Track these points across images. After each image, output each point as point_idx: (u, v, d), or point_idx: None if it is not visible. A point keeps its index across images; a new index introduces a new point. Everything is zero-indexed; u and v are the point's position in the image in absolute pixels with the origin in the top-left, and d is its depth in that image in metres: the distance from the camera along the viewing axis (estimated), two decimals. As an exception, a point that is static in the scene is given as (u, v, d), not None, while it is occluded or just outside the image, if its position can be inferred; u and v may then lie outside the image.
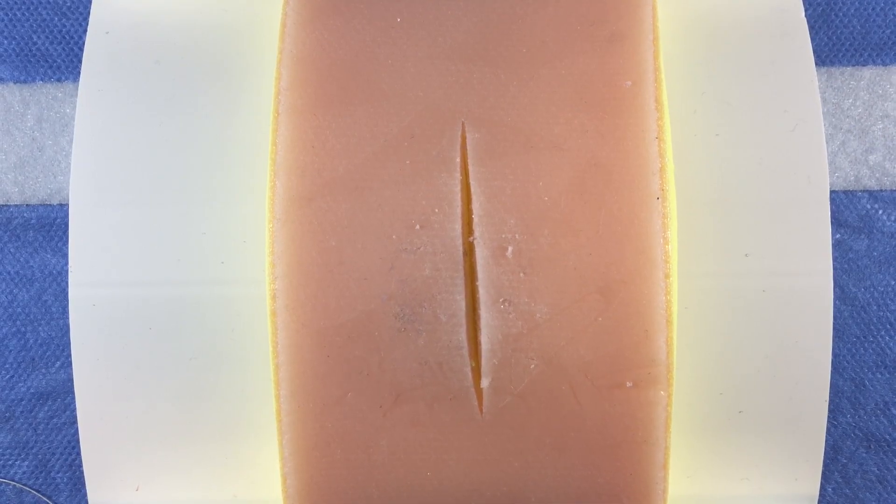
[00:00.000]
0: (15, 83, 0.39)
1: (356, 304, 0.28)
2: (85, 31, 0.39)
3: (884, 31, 0.38)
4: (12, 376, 0.38)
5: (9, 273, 0.38)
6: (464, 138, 0.28)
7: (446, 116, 0.29)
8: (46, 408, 0.38)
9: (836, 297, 0.37)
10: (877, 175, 0.38)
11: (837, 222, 0.38)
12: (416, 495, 0.29)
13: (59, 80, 0.39)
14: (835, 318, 0.37)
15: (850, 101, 0.38)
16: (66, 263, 0.38)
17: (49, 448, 0.38)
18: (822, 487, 0.38)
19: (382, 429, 0.28)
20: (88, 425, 0.31)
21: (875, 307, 0.37)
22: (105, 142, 0.31)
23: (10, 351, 0.38)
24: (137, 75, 0.31)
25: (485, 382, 0.28)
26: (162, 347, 0.30)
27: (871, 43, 0.38)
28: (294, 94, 0.29)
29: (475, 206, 0.28)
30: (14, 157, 0.38)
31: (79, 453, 0.38)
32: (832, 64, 0.38)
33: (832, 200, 0.37)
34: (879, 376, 0.37)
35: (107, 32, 0.32)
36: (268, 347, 0.29)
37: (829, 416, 0.37)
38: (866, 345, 0.38)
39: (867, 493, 0.38)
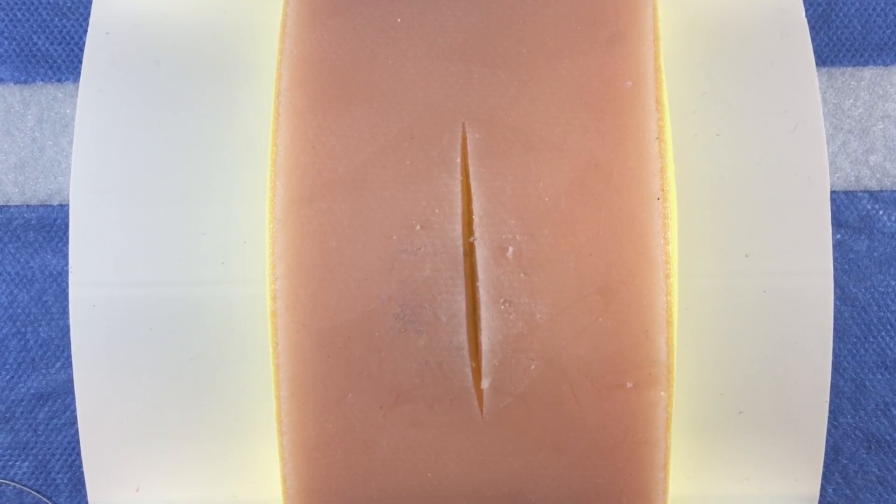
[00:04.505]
0: (15, 84, 0.39)
1: (356, 305, 0.28)
2: (85, 31, 0.39)
3: (884, 32, 0.38)
4: (12, 377, 0.38)
5: (9, 274, 0.38)
6: (464, 139, 0.28)
7: (446, 117, 0.29)
8: (46, 408, 0.38)
9: (836, 298, 0.37)
10: (877, 175, 0.38)
11: (838, 223, 0.38)
12: (416, 496, 0.29)
13: (59, 80, 0.39)
14: (835, 318, 0.37)
15: (851, 101, 0.38)
16: (67, 264, 0.38)
17: (49, 449, 0.38)
18: (823, 488, 0.38)
19: (383, 429, 0.28)
20: (88, 426, 0.31)
21: (875, 308, 0.37)
22: (105, 142, 0.31)
23: (11, 351, 0.38)
24: (137, 76, 0.31)
25: (485, 383, 0.28)
26: (162, 348, 0.30)
27: (871, 43, 0.38)
28: (294, 94, 0.29)
29: (475, 207, 0.28)
30: (14, 157, 0.38)
31: (79, 454, 0.38)
32: (833, 64, 0.38)
33: (833, 201, 0.37)
34: (880, 377, 0.37)
35: (107, 33, 0.32)
36: (268, 348, 0.29)
37: (829, 417, 0.37)
38: (867, 345, 0.38)
39: (868, 494, 0.38)
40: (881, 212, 0.38)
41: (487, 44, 0.29)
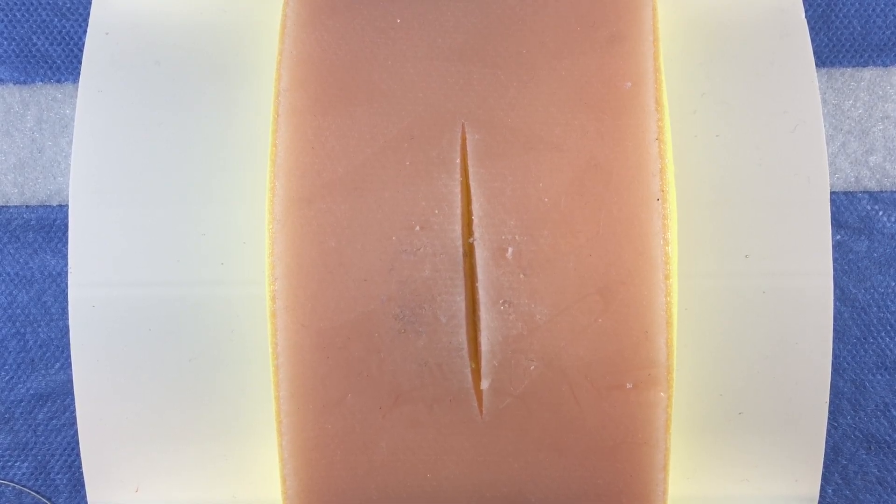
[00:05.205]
0: (15, 84, 0.39)
1: (356, 305, 0.28)
2: (85, 31, 0.39)
3: (884, 32, 0.38)
4: (12, 377, 0.38)
5: (8, 274, 0.38)
6: (464, 139, 0.28)
7: (446, 117, 0.29)
8: (46, 409, 0.38)
9: (836, 298, 0.37)
10: (877, 176, 0.38)
11: (838, 223, 0.38)
12: (416, 497, 0.29)
13: (58, 80, 0.39)
14: (835, 319, 0.37)
15: (851, 102, 0.38)
16: (66, 264, 0.38)
17: (49, 449, 0.38)
18: (822, 489, 0.38)
19: (382, 430, 0.28)
20: (88, 426, 0.31)
21: (875, 308, 0.37)
22: (105, 142, 0.31)
23: (10, 352, 0.38)
24: (137, 76, 0.31)
25: (485, 384, 0.28)
26: (162, 348, 0.30)
27: (871, 44, 0.38)
28: (294, 94, 0.29)
29: (475, 208, 0.28)
30: (14, 158, 0.38)
31: (78, 454, 0.38)
32: (832, 65, 0.38)
33: (832, 201, 0.37)
34: (880, 377, 0.37)
35: (107, 33, 0.32)
36: (267, 348, 0.29)
37: (829, 418, 0.37)
38: (866, 346, 0.38)
39: (867, 495, 0.38)
40: (881, 212, 0.38)
41: (487, 44, 0.29)
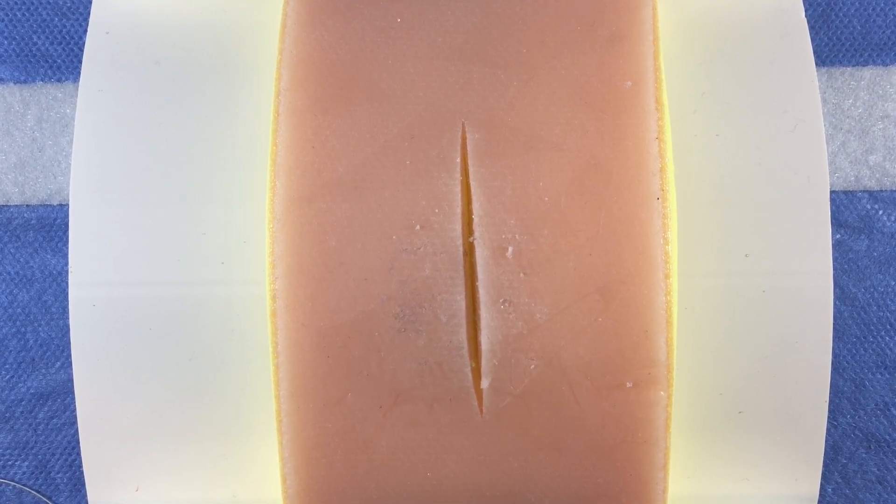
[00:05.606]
0: (15, 83, 0.39)
1: (356, 305, 0.28)
2: (85, 31, 0.39)
3: (884, 32, 0.38)
4: (12, 377, 0.38)
5: (9, 273, 0.38)
6: (464, 139, 0.28)
7: (446, 117, 0.29)
8: (46, 408, 0.38)
9: (836, 298, 0.37)
10: (877, 175, 0.38)
11: (837, 223, 0.38)
12: (416, 496, 0.29)
13: (59, 80, 0.39)
14: (835, 318, 0.37)
15: (851, 101, 0.38)
16: (67, 264, 0.38)
17: (49, 448, 0.38)
18: (822, 488, 0.38)
19: (382, 429, 0.28)
20: (88, 426, 0.31)
21: (875, 307, 0.37)
22: (105, 142, 0.31)
23: (11, 351, 0.38)
24: (137, 75, 0.31)
25: (485, 383, 0.28)
26: (162, 348, 0.30)
27: (871, 43, 0.38)
28: (294, 94, 0.29)
29: (475, 207, 0.28)
30: (14, 157, 0.39)
31: (79, 453, 0.38)
32: (832, 64, 0.38)
33: (832, 201, 0.38)
34: (879, 377, 0.37)
35: (107, 33, 0.32)
36: (268, 347, 0.29)
37: (828, 417, 0.37)
38: (866, 345, 0.38)
39: (867, 494, 0.38)
40: (881, 212, 0.38)
41: (487, 44, 0.29)
